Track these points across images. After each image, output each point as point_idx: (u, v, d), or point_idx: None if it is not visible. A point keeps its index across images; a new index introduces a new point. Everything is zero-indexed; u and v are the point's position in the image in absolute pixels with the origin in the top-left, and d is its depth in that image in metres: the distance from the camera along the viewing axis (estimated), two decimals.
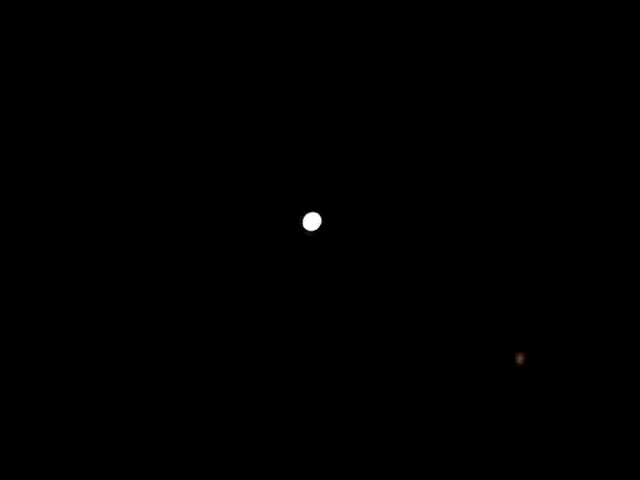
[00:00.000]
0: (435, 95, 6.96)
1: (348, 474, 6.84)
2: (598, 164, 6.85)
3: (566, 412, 6.69)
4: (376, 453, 6.89)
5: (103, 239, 7.17)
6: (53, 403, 7.14)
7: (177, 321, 7.27)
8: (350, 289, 7.23)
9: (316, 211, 7.24)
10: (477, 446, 6.76)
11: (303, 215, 7.09)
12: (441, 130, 7.10)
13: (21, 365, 7.16)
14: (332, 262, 7.29)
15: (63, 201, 7.15)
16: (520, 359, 6.83)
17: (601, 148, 6.86)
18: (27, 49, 6.88)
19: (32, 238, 7.11)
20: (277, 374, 7.27)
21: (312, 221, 7.07)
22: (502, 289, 7.06)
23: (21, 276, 7.17)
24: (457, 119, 7.02)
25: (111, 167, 7.17)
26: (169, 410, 7.10)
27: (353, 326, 7.21)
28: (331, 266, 7.31)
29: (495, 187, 7.06)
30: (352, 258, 7.27)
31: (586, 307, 6.81)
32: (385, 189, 7.22)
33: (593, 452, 6.46)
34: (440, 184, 7.13)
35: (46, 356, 7.23)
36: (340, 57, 6.90)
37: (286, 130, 7.14)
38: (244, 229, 7.24)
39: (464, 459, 6.72)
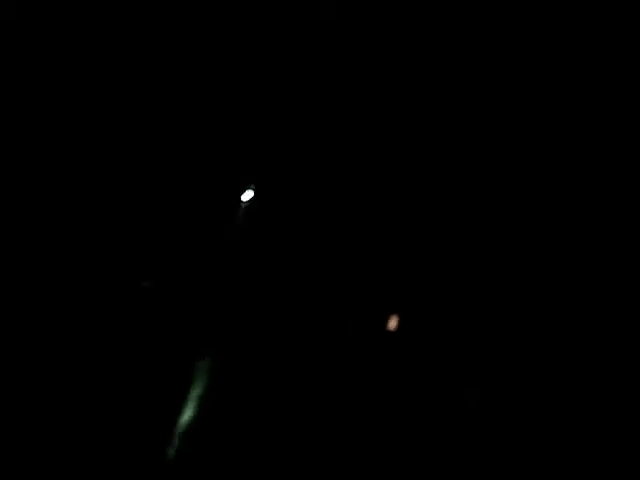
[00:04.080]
0: (434, 95, 6.96)
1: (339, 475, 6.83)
2: (597, 165, 6.84)
3: (567, 413, 6.68)
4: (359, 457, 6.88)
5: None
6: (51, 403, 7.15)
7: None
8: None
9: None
10: (477, 446, 6.76)
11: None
12: (441, 130, 7.09)
13: (20, 365, 7.17)
14: (331, 262, 7.30)
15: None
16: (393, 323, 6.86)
17: (601, 149, 6.85)
18: (27, 49, 6.89)
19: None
20: (276, 376, 7.28)
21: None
22: (501, 290, 7.05)
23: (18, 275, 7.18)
24: (457, 119, 7.01)
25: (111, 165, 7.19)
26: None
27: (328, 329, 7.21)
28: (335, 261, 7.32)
29: (494, 186, 7.06)
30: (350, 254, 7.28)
31: (586, 307, 6.80)
32: (391, 190, 7.22)
33: (593, 453, 6.45)
34: (438, 184, 7.14)
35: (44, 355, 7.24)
36: (340, 57, 6.90)
37: (286, 127, 7.15)
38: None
39: (463, 459, 6.72)
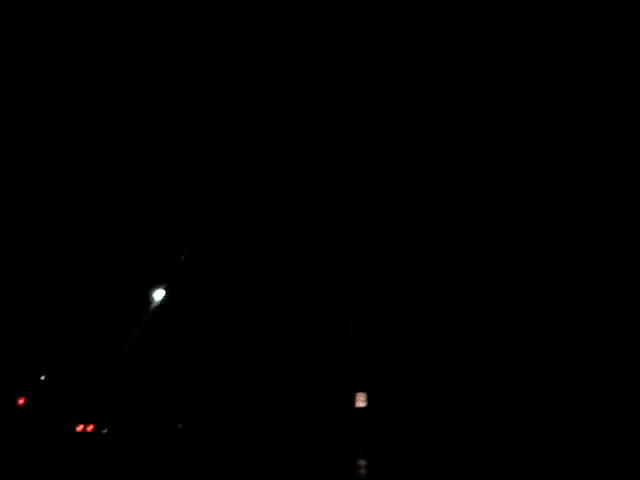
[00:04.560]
0: (434, 95, 6.94)
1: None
2: (594, 168, 6.81)
3: (566, 413, 6.66)
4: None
5: None
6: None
7: None
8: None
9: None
10: (477, 446, 6.73)
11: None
12: (441, 130, 7.07)
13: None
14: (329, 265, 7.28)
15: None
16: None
17: (601, 149, 6.83)
18: (27, 49, 6.86)
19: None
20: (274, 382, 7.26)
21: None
22: (501, 291, 7.03)
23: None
24: (457, 119, 6.99)
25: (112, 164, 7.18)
26: None
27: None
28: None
29: (494, 186, 7.05)
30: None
31: (586, 307, 6.77)
32: (391, 191, 7.20)
33: (593, 453, 6.42)
34: (438, 184, 7.12)
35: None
36: (340, 57, 6.88)
37: (286, 127, 7.13)
38: None
39: (463, 459, 6.70)
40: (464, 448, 6.75)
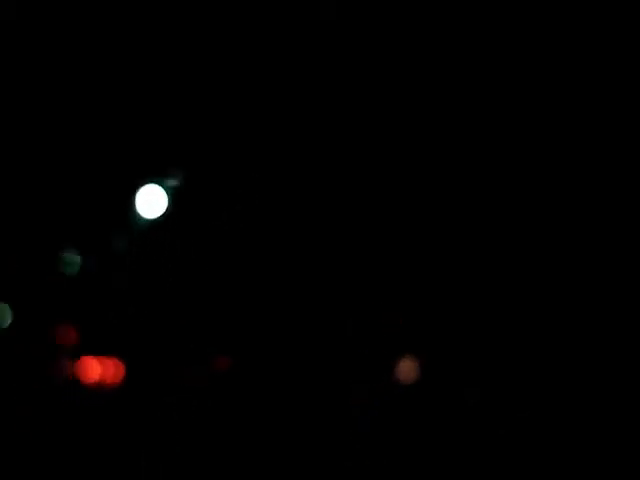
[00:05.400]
0: (434, 96, 6.96)
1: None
2: (597, 165, 6.83)
3: (567, 413, 6.68)
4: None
5: None
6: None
7: None
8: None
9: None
10: (477, 446, 6.76)
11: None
12: (441, 130, 7.10)
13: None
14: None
15: None
16: None
17: (601, 149, 6.85)
18: (27, 49, 6.90)
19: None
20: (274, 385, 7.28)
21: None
22: (501, 291, 7.06)
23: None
24: (456, 120, 7.02)
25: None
26: None
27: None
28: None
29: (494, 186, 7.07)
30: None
31: (586, 307, 6.79)
32: (392, 190, 7.23)
33: (593, 453, 6.44)
34: (438, 184, 7.14)
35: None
36: (339, 56, 6.91)
37: (285, 128, 7.16)
38: None
39: (464, 459, 6.72)
40: (464, 448, 6.78)
